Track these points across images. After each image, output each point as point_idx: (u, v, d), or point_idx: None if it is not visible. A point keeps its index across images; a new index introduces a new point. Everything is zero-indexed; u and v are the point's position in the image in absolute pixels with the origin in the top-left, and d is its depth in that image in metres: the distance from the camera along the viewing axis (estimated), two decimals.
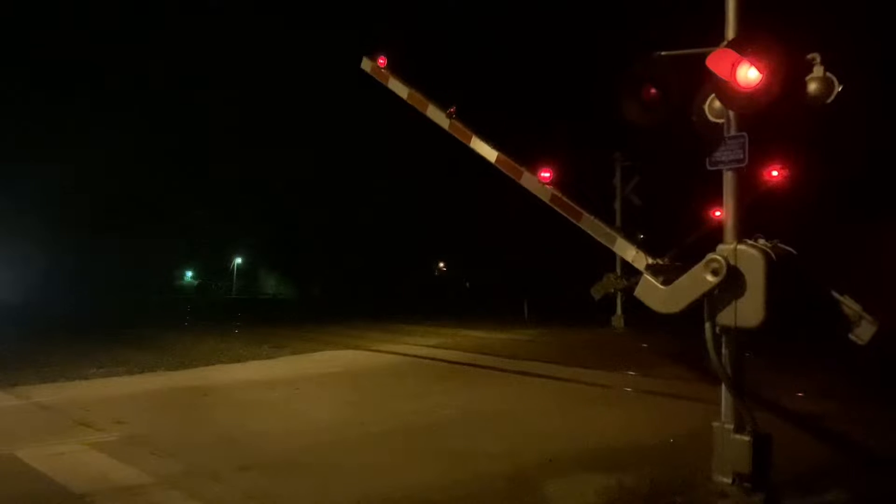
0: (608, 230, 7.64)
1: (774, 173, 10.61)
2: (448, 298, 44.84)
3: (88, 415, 9.65)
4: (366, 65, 10.36)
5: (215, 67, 59.58)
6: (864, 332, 5.96)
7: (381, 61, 10.11)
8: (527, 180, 8.27)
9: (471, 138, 8.92)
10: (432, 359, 16.62)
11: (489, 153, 8.71)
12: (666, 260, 6.78)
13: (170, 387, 12.25)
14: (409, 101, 9.77)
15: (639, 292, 6.52)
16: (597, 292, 13.06)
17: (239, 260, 69.50)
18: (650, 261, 6.75)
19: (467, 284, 57.28)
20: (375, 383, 13.21)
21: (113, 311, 35.14)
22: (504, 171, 8.50)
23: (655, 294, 6.41)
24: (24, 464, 7.34)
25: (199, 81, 59.89)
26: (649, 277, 6.55)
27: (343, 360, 16.41)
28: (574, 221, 7.81)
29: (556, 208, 7.97)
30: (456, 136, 9.07)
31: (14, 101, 53.84)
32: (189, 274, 71.89)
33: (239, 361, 15.65)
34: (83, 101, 56.29)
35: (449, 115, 9.05)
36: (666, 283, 6.37)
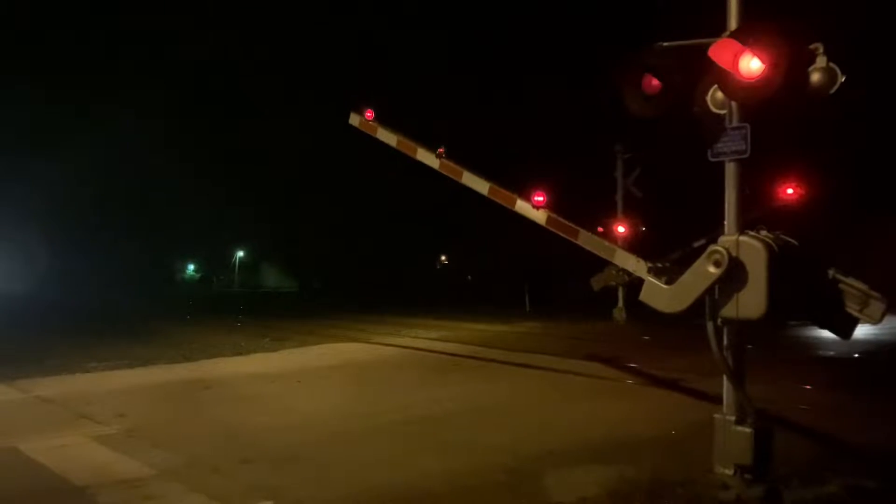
0: (606, 244, 7.83)
1: (790, 191, 10.70)
2: (450, 291, 44.80)
3: (90, 408, 9.66)
4: (354, 119, 10.91)
5: (218, 59, 59.21)
6: (873, 310, 5.95)
7: (369, 114, 10.64)
8: (521, 207, 8.54)
9: (461, 174, 9.39)
10: (434, 351, 16.63)
11: (481, 186, 9.08)
12: (666, 263, 6.82)
13: (171, 380, 12.26)
14: (399, 148, 10.36)
15: (644, 296, 6.49)
16: (597, 283, 13.13)
17: (241, 253, 69.56)
18: (650, 264, 6.79)
19: (469, 277, 57.25)
20: (377, 376, 13.21)
21: (115, 305, 35.18)
22: (498, 201, 8.81)
23: (660, 295, 6.38)
24: (25, 456, 7.36)
25: (199, 77, 59.69)
26: (652, 279, 6.54)
27: (344, 352, 16.41)
28: (572, 240, 8.02)
29: (552, 230, 8.22)
30: (447, 174, 9.46)
31: (21, 99, 53.93)
32: (191, 267, 71.98)
33: (241, 354, 15.66)
34: (83, 97, 56.16)
35: (438, 156, 9.43)
36: (669, 282, 6.35)
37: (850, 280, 6.05)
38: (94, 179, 52.84)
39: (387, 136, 10.40)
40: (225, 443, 7.96)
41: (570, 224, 8.04)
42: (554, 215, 8.18)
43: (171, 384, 11.87)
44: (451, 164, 9.38)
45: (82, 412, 9.42)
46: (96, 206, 55.44)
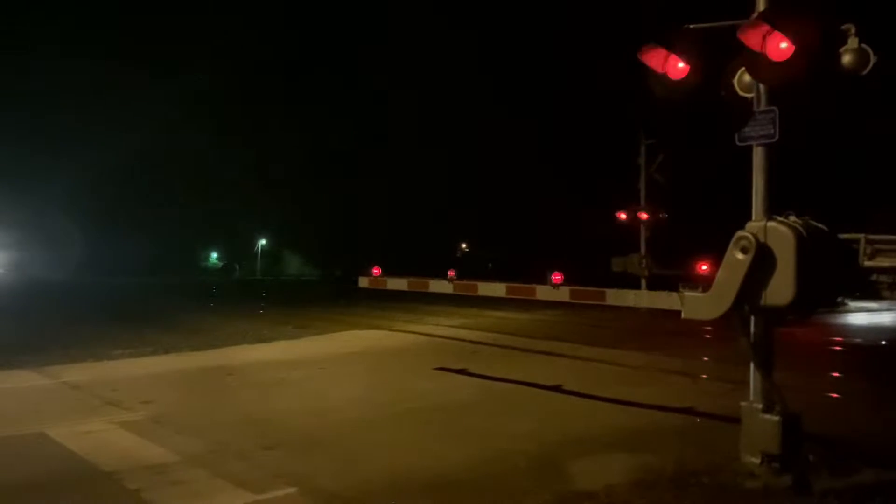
0: (633, 293, 8.14)
1: None
2: (471, 279, 44.71)
3: (116, 394, 9.77)
4: (363, 282, 11.49)
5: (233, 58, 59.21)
6: None
7: (376, 271, 11.13)
8: (542, 292, 8.86)
9: (476, 287, 10.04)
10: (455, 339, 16.64)
11: (498, 290, 9.66)
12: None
13: (195, 367, 12.37)
14: (411, 289, 11.07)
15: (687, 314, 6.31)
16: (617, 265, 13.13)
17: (263, 241, 69.99)
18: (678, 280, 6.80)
19: (490, 265, 57.17)
20: (398, 363, 13.24)
21: (139, 292, 35.59)
22: (518, 297, 9.24)
23: (701, 304, 6.19)
24: (53, 442, 7.45)
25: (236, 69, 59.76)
26: (688, 293, 6.39)
27: (366, 340, 16.47)
28: (600, 303, 8.30)
29: (578, 301, 8.53)
30: (462, 293, 10.15)
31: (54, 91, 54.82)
32: (214, 255, 72.60)
33: (264, 342, 15.76)
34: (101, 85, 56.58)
35: (450, 280, 9.87)
36: (705, 289, 6.21)
37: (882, 237, 5.91)
38: (122, 172, 53.52)
39: (397, 283, 11.25)
40: (248, 429, 8.01)
41: (594, 290, 8.45)
42: (577, 288, 8.48)
43: (195, 371, 11.99)
44: (463, 282, 10.10)
45: (108, 398, 9.54)
46: (123, 196, 56.13)
